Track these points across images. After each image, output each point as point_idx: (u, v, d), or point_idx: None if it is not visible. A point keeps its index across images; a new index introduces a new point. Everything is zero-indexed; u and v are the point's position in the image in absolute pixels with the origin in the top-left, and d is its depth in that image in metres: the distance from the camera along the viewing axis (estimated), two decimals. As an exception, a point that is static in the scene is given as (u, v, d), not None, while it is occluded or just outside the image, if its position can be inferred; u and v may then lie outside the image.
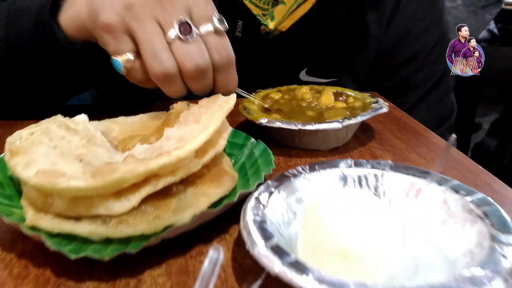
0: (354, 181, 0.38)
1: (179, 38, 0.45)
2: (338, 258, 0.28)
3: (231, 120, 0.44)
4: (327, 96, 0.60)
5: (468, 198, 0.34)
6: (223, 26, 0.47)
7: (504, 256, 0.27)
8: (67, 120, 0.45)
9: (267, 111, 0.57)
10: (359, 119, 0.51)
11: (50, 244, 0.32)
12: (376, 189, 0.38)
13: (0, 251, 0.36)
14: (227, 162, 0.44)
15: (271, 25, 0.71)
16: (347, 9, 0.77)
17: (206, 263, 0.21)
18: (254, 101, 0.59)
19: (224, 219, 0.38)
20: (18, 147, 0.39)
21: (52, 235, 0.34)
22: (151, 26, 0.45)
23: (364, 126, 0.61)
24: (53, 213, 0.35)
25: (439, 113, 0.86)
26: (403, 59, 0.82)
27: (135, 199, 0.34)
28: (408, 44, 0.81)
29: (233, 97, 0.44)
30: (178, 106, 0.48)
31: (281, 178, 0.38)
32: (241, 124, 0.62)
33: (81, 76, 0.64)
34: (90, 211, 0.34)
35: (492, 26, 2.17)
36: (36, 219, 0.35)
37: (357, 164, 0.40)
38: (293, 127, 0.50)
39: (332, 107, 0.59)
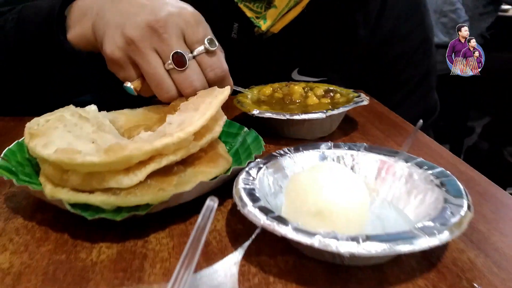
0: (333, 160, 0.44)
1: (176, 68, 0.51)
2: (314, 217, 0.33)
3: (227, 114, 0.50)
4: (312, 99, 0.65)
5: (429, 172, 0.39)
6: (213, 46, 0.52)
7: (452, 214, 0.33)
8: (79, 109, 0.51)
9: (260, 103, 0.63)
10: (341, 109, 0.57)
11: (70, 208, 0.37)
12: (352, 167, 0.43)
13: (22, 220, 0.41)
14: (222, 148, 0.50)
15: (263, 27, 0.76)
16: (335, 13, 0.82)
17: (204, 209, 0.26)
18: (248, 95, 0.64)
19: (219, 194, 0.43)
20: (37, 130, 0.44)
21: (69, 204, 0.39)
22: (151, 57, 0.51)
23: (349, 119, 0.66)
24: (69, 188, 0.41)
25: (423, 110, 0.91)
26: (389, 59, 0.88)
27: (141, 174, 0.40)
28: (394, 45, 0.87)
29: (227, 88, 0.49)
30: (178, 100, 0.54)
31: (269, 157, 0.43)
32: (236, 118, 0.67)
33: (85, 79, 0.69)
34: (102, 184, 0.39)
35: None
36: (54, 192, 0.40)
37: (336, 146, 0.45)
38: (281, 117, 0.56)
39: (317, 103, 0.64)
